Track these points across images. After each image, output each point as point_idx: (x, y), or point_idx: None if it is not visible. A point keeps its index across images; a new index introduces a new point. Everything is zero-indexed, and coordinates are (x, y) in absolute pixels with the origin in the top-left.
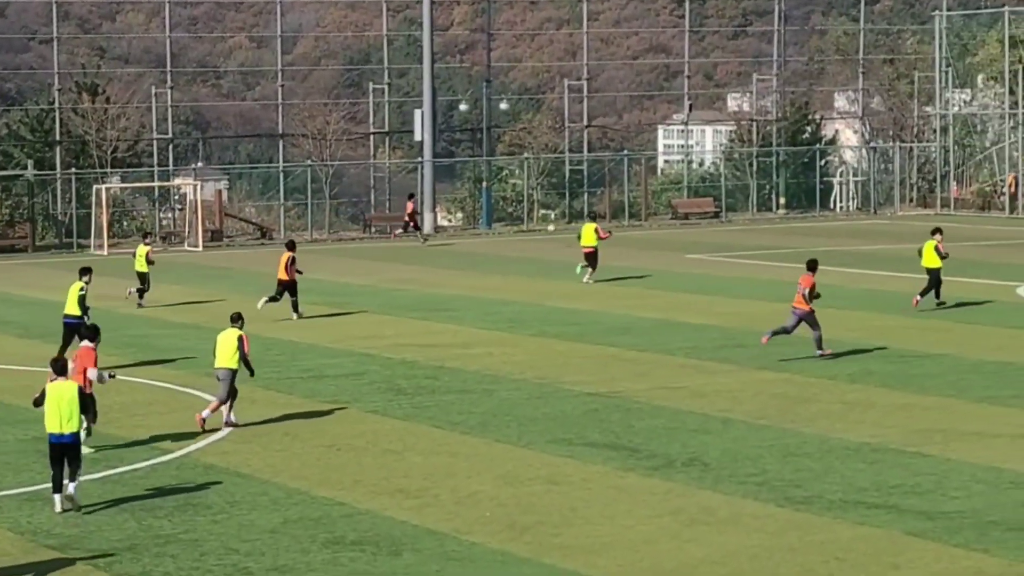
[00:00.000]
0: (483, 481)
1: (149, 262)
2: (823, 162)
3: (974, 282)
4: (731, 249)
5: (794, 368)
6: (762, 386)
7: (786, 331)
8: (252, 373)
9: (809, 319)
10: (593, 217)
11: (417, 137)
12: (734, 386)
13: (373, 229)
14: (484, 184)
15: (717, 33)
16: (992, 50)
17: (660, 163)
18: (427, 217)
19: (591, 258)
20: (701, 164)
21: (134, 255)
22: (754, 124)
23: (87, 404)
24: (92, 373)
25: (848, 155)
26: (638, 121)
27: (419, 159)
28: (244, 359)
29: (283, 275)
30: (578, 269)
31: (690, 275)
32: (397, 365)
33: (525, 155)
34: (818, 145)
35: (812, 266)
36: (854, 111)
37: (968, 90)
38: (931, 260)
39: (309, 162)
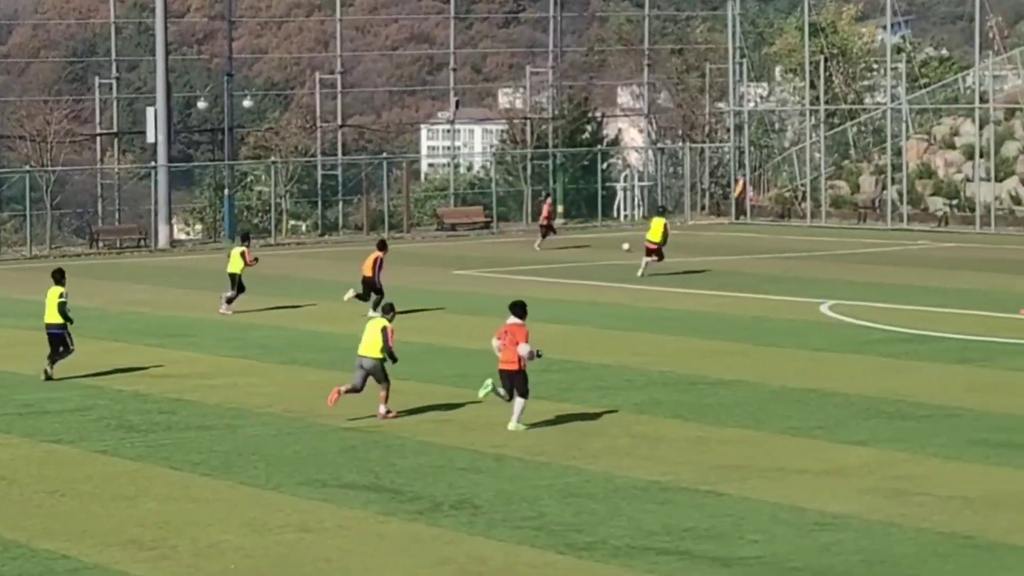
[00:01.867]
0: (227, 529)
1: (247, 263)
2: (605, 165)
3: (773, 299)
4: (503, 264)
5: (575, 398)
6: (539, 418)
7: None
8: (395, 360)
9: None
10: (662, 212)
11: (150, 139)
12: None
13: (101, 243)
14: (226, 192)
15: (486, 20)
16: (791, 39)
17: (424, 167)
18: (162, 230)
19: (657, 254)
20: (469, 168)
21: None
22: (528, 123)
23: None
24: (523, 349)
25: (633, 157)
26: (399, 120)
27: (152, 163)
28: (388, 350)
29: (368, 272)
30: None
31: (458, 293)
32: (129, 399)
33: (272, 159)
34: (600, 146)
35: None
36: (639, 108)
37: (765, 84)
38: None
39: (27, 168)
